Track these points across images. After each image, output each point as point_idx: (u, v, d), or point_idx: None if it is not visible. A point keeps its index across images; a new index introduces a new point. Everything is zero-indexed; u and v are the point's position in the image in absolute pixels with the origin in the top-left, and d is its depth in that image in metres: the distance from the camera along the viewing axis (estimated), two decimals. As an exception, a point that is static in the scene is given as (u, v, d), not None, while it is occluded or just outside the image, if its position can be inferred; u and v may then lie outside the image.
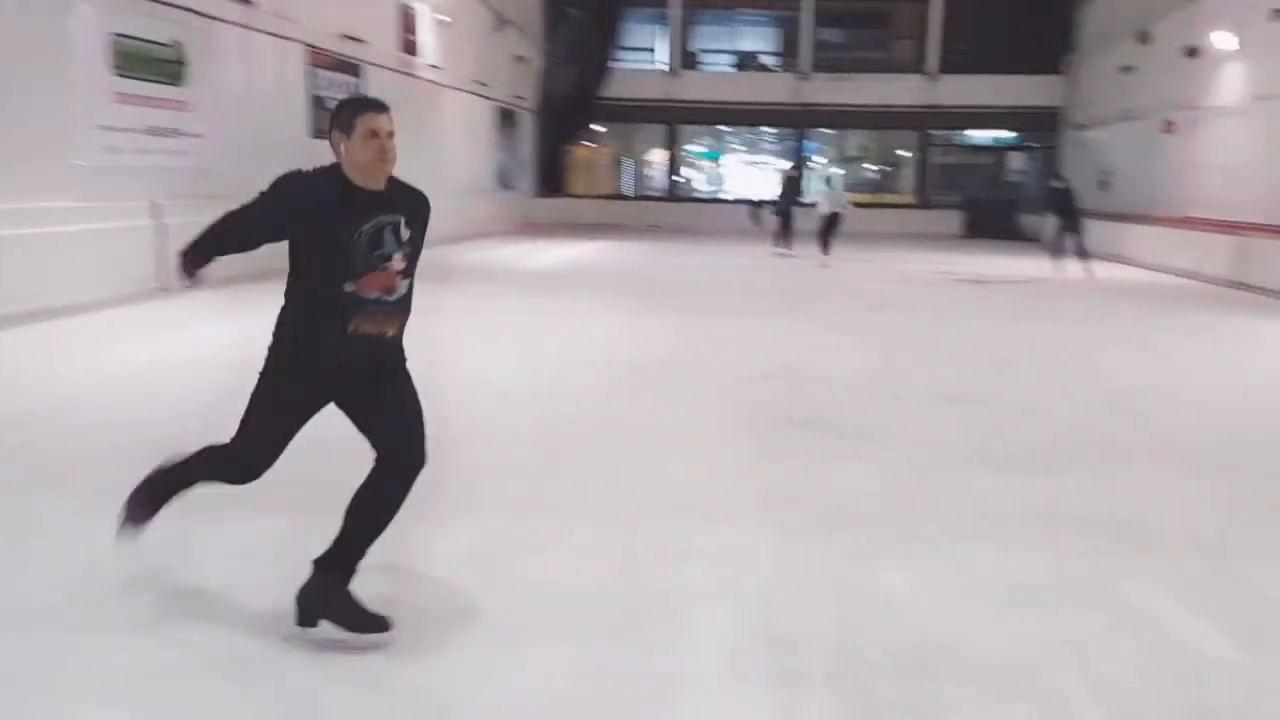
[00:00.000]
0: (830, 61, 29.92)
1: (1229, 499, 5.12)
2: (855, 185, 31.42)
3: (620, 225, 27.79)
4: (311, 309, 3.20)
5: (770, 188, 31.77)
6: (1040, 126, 29.01)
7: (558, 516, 4.58)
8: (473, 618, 3.51)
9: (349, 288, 3.12)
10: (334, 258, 3.12)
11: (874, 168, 31.88)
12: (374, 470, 3.23)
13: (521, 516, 4.56)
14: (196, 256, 3.34)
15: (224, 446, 3.34)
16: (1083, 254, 16.97)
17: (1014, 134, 30.46)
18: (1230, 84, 18.07)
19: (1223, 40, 18.00)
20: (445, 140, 21.15)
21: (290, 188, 3.21)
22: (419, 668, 3.14)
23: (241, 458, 3.31)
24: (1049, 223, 19.57)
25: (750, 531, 4.43)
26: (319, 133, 14.81)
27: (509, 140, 26.60)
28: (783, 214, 20.46)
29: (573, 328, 10.44)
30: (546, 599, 3.69)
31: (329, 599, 3.24)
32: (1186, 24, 19.60)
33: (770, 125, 31.62)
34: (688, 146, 32.38)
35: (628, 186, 32.73)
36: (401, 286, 3.23)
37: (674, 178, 31.66)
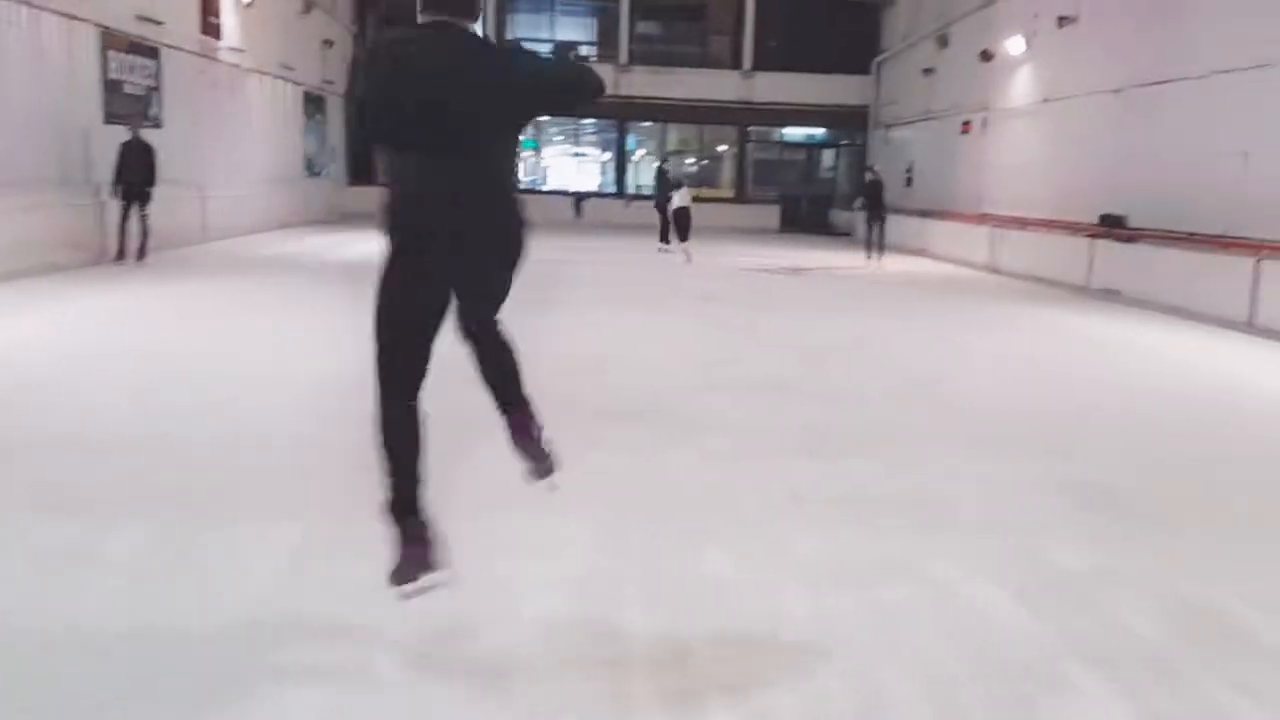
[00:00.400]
0: (649, 54, 30.36)
1: (1018, 476, 5.49)
2: (677, 181, 32.06)
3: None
4: None
5: (590, 179, 32.26)
6: (851, 124, 30.27)
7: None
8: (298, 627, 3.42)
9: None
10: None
11: (693, 162, 32.51)
12: None
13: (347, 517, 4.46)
14: None
15: None
16: (880, 246, 18.02)
17: (826, 131, 31.63)
18: (1020, 87, 19.30)
19: (1013, 45, 19.20)
20: (249, 126, 20.33)
21: None
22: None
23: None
24: (859, 215, 20.68)
25: (574, 523, 4.47)
26: (112, 117, 14.02)
27: (317, 126, 25.78)
28: (660, 209, 20.16)
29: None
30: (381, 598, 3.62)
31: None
32: (981, 28, 20.83)
33: (589, 116, 31.76)
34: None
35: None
36: None
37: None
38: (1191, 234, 12.87)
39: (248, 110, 20.19)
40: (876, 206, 18.65)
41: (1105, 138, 15.71)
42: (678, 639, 3.37)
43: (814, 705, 2.97)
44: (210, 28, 17.93)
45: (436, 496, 3.48)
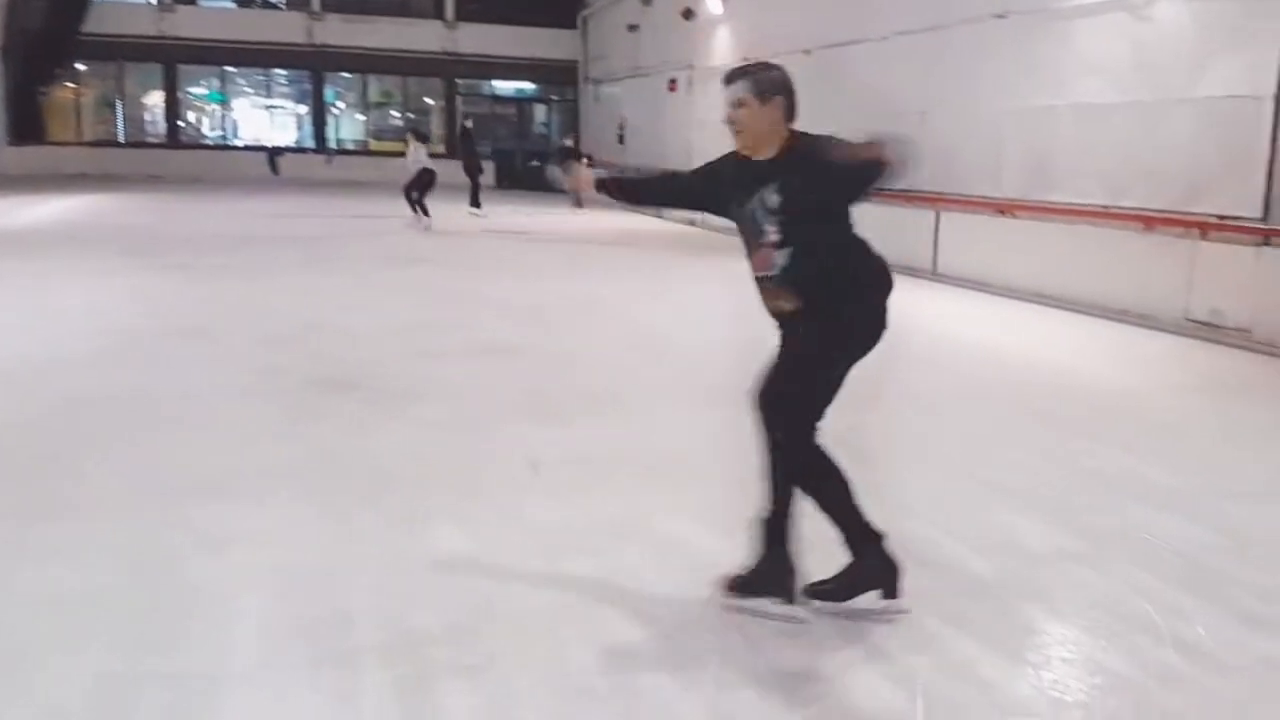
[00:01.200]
0: (344, 2, 29.07)
1: (747, 426, 5.73)
2: (381, 133, 31.10)
3: (115, 176, 25.31)
4: None
5: (286, 133, 30.66)
6: (561, 80, 30.37)
7: (67, 513, 4.11)
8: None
9: (751, 267, 3.35)
10: (743, 238, 3.37)
11: (399, 115, 31.58)
12: None
13: (21, 518, 4.04)
14: (612, 186, 3.55)
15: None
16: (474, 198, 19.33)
17: (537, 86, 31.58)
18: (721, 46, 20.02)
19: (712, 4, 19.86)
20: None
21: (718, 159, 3.45)
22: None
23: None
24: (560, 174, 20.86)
25: (292, 509, 4.26)
26: None
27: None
28: (467, 170, 19.64)
29: (68, 295, 9.34)
30: (58, 609, 3.30)
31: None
32: (683, -14, 21.35)
33: (282, 67, 30.15)
34: (190, 89, 30.01)
35: (121, 132, 29.64)
36: (780, 258, 3.22)
37: (177, 123, 29.23)
38: (880, 189, 13.87)
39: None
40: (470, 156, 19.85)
41: (801, 98, 16.56)
42: (410, 625, 3.29)
43: (555, 678, 2.99)
44: None
45: (144, 484, 3.21)
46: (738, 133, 3.32)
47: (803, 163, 3.25)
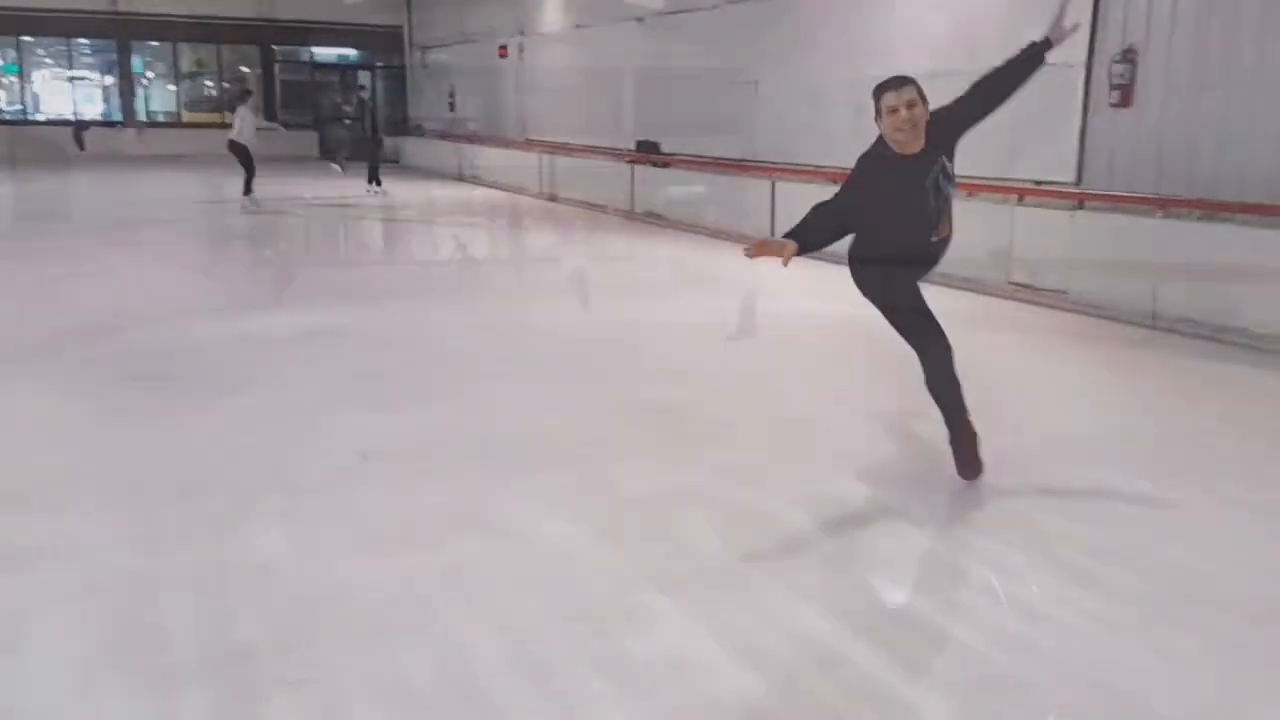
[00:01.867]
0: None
1: (583, 405, 5.66)
2: (194, 104, 29.60)
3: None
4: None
5: (92, 106, 28.85)
6: (386, 46, 29.47)
7: None
8: None
9: (934, 238, 4.18)
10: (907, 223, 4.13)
11: (212, 85, 30.04)
12: None
13: None
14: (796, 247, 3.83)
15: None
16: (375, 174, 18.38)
17: (360, 53, 30.58)
18: (553, 12, 19.77)
19: (543, -31, 19.60)
20: None
21: (858, 169, 4.09)
22: None
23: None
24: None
25: (99, 516, 3.97)
26: None
27: None
28: (363, 143, 18.64)
29: None
30: None
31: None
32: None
33: (85, 36, 28.27)
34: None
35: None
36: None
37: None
38: (717, 159, 13.99)
39: None
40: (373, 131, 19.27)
41: (635, 66, 16.54)
42: (232, 637, 3.09)
43: (390, 684, 2.86)
44: None
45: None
46: (909, 129, 3.94)
47: (944, 137, 4.08)
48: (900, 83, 3.96)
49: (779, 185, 12.28)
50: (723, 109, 13.97)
